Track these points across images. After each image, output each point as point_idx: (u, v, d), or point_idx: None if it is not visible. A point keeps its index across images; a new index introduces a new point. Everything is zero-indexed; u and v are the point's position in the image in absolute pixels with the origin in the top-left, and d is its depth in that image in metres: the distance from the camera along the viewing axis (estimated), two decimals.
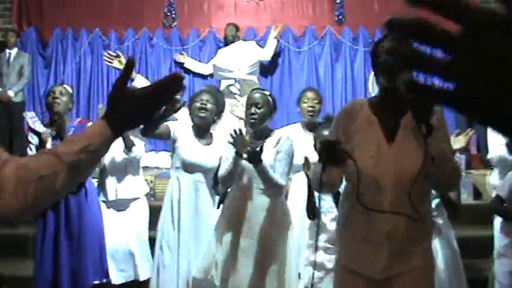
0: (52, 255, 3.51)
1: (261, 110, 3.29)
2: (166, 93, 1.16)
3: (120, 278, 4.12)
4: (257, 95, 3.34)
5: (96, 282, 3.75)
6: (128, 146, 3.96)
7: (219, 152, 3.63)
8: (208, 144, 3.69)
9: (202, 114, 3.62)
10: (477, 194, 5.43)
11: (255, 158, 3.09)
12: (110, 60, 4.83)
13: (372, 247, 2.19)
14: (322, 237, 3.37)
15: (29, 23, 7.46)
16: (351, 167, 2.22)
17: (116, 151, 4.02)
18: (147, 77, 7.29)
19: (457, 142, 3.43)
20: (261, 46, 7.09)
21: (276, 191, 3.25)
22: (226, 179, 3.28)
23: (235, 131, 3.11)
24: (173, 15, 7.47)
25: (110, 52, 4.69)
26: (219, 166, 3.57)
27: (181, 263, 3.55)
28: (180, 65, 7.27)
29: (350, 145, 2.22)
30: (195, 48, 7.39)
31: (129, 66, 1.18)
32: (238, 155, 3.14)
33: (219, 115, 3.84)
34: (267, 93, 3.41)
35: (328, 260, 3.36)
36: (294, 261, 3.39)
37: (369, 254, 2.21)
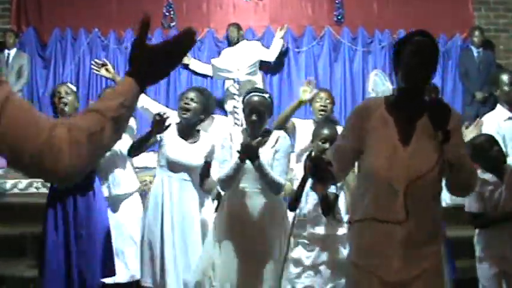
0: (64, 256, 3.51)
1: (261, 115, 3.26)
2: (182, 46, 1.27)
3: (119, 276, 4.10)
4: (256, 99, 3.26)
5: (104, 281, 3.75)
6: None
7: (204, 151, 3.63)
8: (194, 143, 3.66)
9: (184, 116, 3.60)
10: None
11: (251, 153, 3.08)
12: (97, 69, 4.64)
13: (386, 250, 2.16)
14: (302, 232, 3.40)
15: (28, 23, 7.45)
16: (367, 169, 2.22)
17: None
18: None
19: (469, 133, 3.46)
20: (265, 46, 7.11)
21: (274, 189, 3.23)
22: (227, 182, 3.25)
23: (245, 143, 3.10)
24: (172, 16, 7.46)
25: (97, 60, 4.65)
26: (206, 164, 3.63)
27: (166, 261, 3.54)
28: (185, 66, 7.26)
29: (362, 144, 2.21)
30: (194, 48, 7.36)
31: (145, 23, 1.27)
32: (242, 161, 3.13)
33: (207, 114, 3.82)
34: (266, 95, 3.34)
35: (306, 256, 3.39)
36: (289, 262, 3.38)
37: (383, 257, 2.18)
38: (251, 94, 3.33)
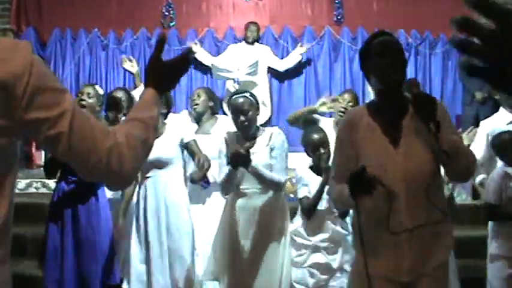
0: (60, 260, 3.50)
1: (249, 114, 3.27)
2: (186, 62, 1.50)
3: None
4: (240, 101, 3.27)
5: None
6: None
7: (173, 141, 3.63)
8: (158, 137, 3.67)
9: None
10: (476, 194, 5.43)
11: (241, 161, 3.07)
12: (125, 61, 5.97)
13: (393, 251, 2.14)
14: (322, 236, 3.37)
15: (28, 23, 7.45)
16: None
17: None
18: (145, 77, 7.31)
19: (464, 140, 3.45)
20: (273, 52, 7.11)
21: (274, 188, 3.24)
22: (225, 187, 3.29)
23: (232, 154, 3.08)
24: (171, 15, 7.46)
25: (125, 56, 5.96)
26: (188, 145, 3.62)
27: (153, 261, 3.55)
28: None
29: (357, 156, 2.20)
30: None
31: (161, 41, 1.46)
32: (234, 168, 3.13)
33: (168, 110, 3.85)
34: (248, 94, 3.33)
35: (332, 259, 3.36)
36: (290, 261, 3.38)
37: (391, 258, 2.15)
38: (234, 96, 3.35)
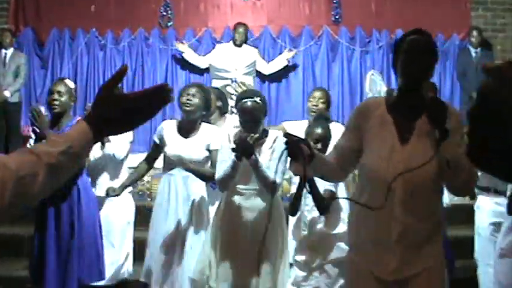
0: (40, 254, 3.47)
1: (258, 119, 3.28)
2: (153, 103, 1.14)
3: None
4: (249, 104, 3.28)
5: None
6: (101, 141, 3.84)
7: (204, 143, 3.63)
8: (192, 137, 3.71)
9: (188, 109, 3.66)
10: (474, 194, 5.42)
11: (245, 149, 3.08)
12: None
13: (382, 248, 2.16)
14: (310, 235, 3.37)
15: (26, 23, 7.44)
16: (365, 169, 2.24)
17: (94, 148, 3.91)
18: (143, 77, 7.33)
19: None
20: (261, 53, 7.10)
21: (269, 188, 3.23)
22: (224, 182, 3.26)
23: (239, 138, 3.10)
24: (169, 15, 7.46)
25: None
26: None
27: (174, 260, 3.57)
28: (177, 66, 7.25)
29: (362, 144, 2.23)
30: (191, 47, 7.38)
31: (121, 72, 1.14)
32: (238, 159, 3.13)
33: (208, 110, 3.84)
34: (258, 99, 3.33)
35: (312, 258, 3.36)
36: (287, 261, 3.38)
37: (379, 255, 2.18)
38: (243, 100, 3.33)
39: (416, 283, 2.16)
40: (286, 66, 7.25)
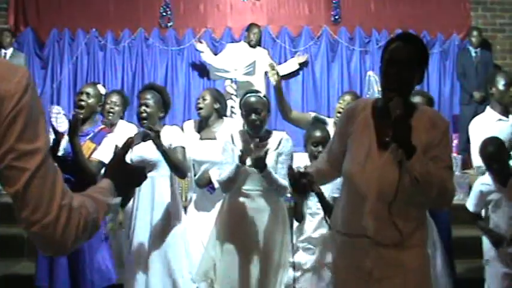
0: (50, 257, 3.44)
1: (261, 114, 3.27)
2: (142, 177, 1.53)
3: None
4: (253, 99, 3.29)
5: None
6: None
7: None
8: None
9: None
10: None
11: (260, 164, 3.08)
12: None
13: (358, 251, 2.14)
14: (301, 237, 3.38)
15: (26, 23, 7.45)
16: (344, 172, 2.22)
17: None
18: (142, 77, 7.33)
19: None
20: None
21: (281, 192, 3.25)
22: (228, 185, 3.25)
23: (256, 157, 3.06)
24: (169, 16, 7.46)
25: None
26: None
27: (150, 262, 3.49)
28: (177, 67, 7.26)
29: (346, 147, 2.22)
30: (191, 48, 7.39)
31: (127, 145, 1.47)
32: (241, 163, 3.13)
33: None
34: (262, 95, 3.37)
35: (306, 260, 3.35)
36: (288, 262, 3.37)
37: (355, 257, 2.17)
38: (247, 95, 3.35)
39: (393, 283, 2.11)
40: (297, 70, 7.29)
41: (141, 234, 3.52)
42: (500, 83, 4.05)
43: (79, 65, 7.39)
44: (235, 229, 3.28)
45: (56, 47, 7.41)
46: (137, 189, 3.38)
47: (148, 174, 3.43)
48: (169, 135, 3.52)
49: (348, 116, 2.25)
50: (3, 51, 6.86)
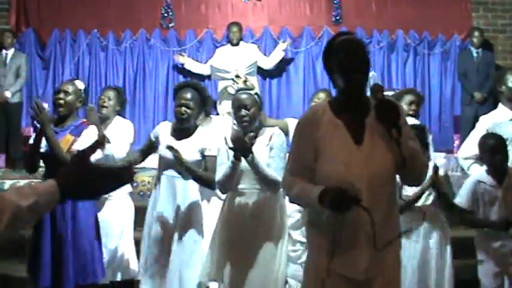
0: (36, 254, 3.45)
1: (251, 110, 3.28)
2: (118, 180, 1.32)
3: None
4: (244, 96, 3.31)
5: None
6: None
7: (198, 146, 3.58)
8: (186, 139, 3.66)
9: (183, 116, 3.59)
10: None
11: (243, 147, 3.07)
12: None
13: (353, 247, 2.12)
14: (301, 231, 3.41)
15: (27, 24, 7.46)
16: (325, 175, 2.15)
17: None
18: (144, 78, 7.34)
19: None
20: (261, 51, 7.12)
21: (271, 186, 3.24)
22: (225, 183, 3.26)
23: (235, 136, 3.08)
24: (170, 16, 7.47)
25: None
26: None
27: (170, 259, 3.53)
28: (178, 67, 7.28)
29: (316, 153, 2.18)
30: (193, 49, 7.41)
31: (99, 143, 1.30)
32: (236, 159, 3.14)
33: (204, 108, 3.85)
34: (253, 92, 3.38)
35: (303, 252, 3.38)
36: (286, 259, 3.38)
37: (349, 254, 2.12)
38: (238, 93, 3.39)
39: (382, 280, 2.14)
40: (286, 61, 7.30)
41: (162, 234, 3.56)
42: (510, 81, 4.08)
43: (81, 66, 7.41)
44: (236, 228, 3.28)
45: (57, 47, 7.43)
46: (161, 188, 3.51)
47: (177, 175, 3.54)
48: (207, 138, 3.60)
49: (310, 124, 2.22)
50: (4, 51, 6.87)
